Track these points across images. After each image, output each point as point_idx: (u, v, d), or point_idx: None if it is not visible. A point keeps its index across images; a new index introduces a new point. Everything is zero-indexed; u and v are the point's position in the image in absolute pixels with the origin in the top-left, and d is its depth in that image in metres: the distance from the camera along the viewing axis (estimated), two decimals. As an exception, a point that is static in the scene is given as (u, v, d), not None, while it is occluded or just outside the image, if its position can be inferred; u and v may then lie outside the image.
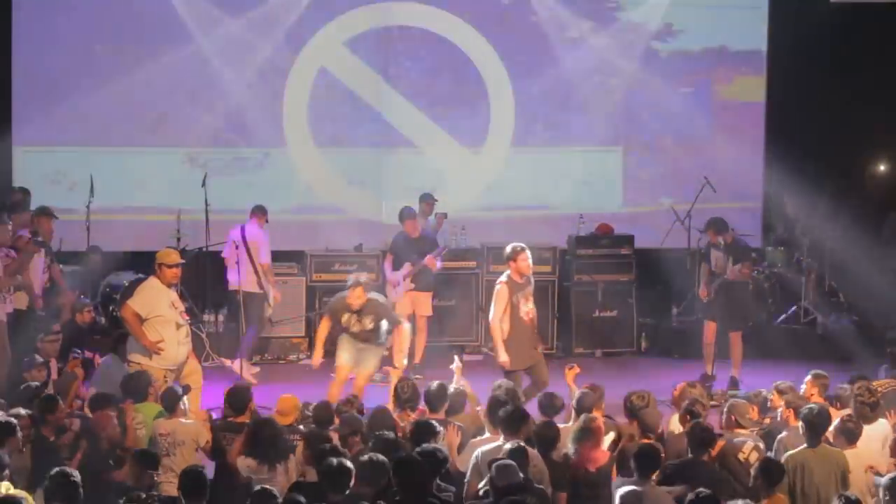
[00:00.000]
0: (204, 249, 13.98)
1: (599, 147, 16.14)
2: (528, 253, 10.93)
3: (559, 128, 16.10)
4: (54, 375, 10.64)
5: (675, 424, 9.22)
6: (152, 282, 10.36)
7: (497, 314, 10.80)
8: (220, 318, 14.32)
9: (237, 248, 13.19)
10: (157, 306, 10.16)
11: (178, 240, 14.07)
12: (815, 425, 8.35)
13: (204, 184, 14.07)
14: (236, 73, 15.28)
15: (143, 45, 15.01)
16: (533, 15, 15.82)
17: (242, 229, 13.47)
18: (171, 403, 9.10)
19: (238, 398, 9.07)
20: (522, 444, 7.92)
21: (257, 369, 13.64)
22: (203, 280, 14.15)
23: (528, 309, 10.87)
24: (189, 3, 15.08)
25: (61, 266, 13.26)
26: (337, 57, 15.64)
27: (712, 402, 11.35)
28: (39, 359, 10.54)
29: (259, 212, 13.65)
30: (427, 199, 14.27)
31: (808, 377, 9.74)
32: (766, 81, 16.16)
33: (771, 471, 7.78)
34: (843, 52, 15.62)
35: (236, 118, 15.35)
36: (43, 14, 14.92)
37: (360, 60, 15.67)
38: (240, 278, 13.18)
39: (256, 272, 13.35)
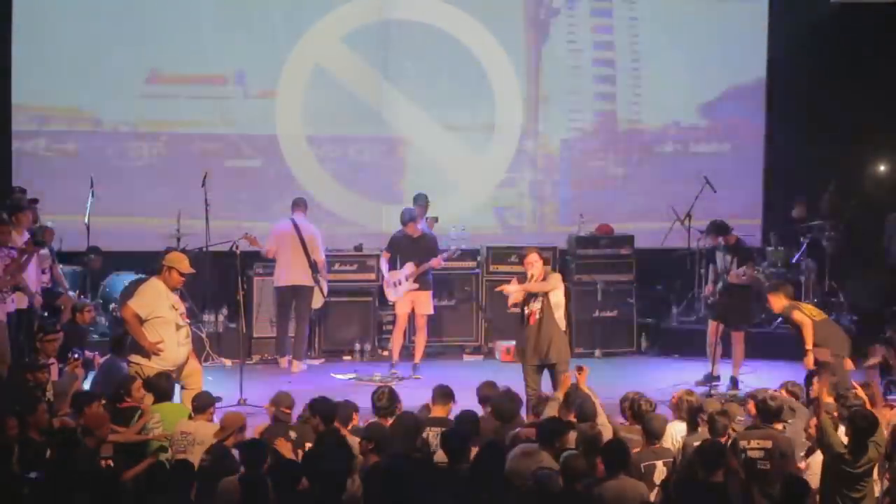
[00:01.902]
0: (204, 249, 13.98)
1: (600, 147, 16.15)
2: (535, 255, 10.94)
3: (561, 127, 16.09)
4: (54, 376, 10.64)
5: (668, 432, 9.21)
6: (153, 283, 10.31)
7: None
8: (221, 318, 14.32)
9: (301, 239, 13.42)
10: (158, 308, 10.13)
11: (178, 240, 14.07)
12: (862, 430, 8.13)
13: (204, 183, 14.06)
14: (234, 70, 15.31)
15: (141, 41, 15.09)
16: (538, 7, 15.82)
17: (294, 222, 13.56)
18: (203, 405, 9.17)
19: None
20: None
21: (305, 367, 13.71)
22: (203, 280, 14.13)
23: (531, 308, 10.83)
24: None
25: (61, 266, 13.28)
26: (333, 53, 15.62)
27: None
28: (40, 359, 10.54)
29: (304, 204, 13.80)
30: (421, 201, 14.30)
31: (816, 377, 9.69)
32: (766, 81, 16.15)
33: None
34: (843, 52, 15.61)
35: (234, 117, 15.37)
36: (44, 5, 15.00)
37: (358, 57, 15.64)
38: (289, 273, 13.37)
39: (311, 266, 13.48)
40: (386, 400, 9.20)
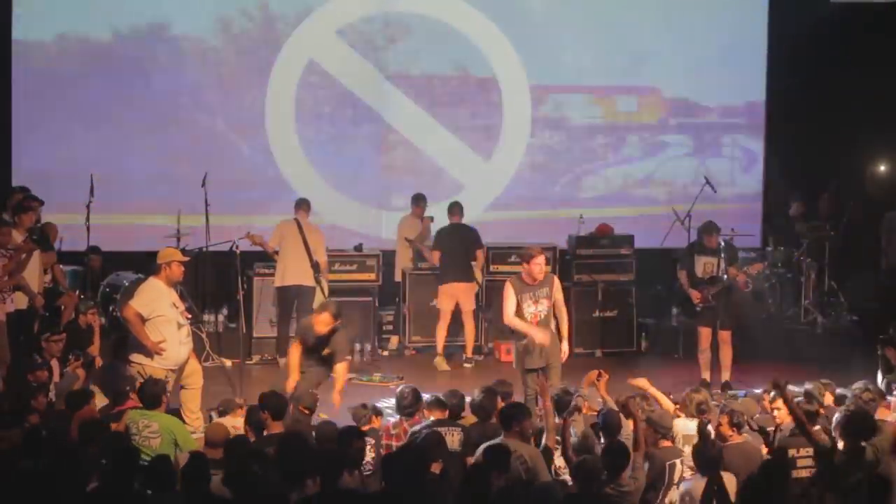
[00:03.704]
0: (204, 249, 13.99)
1: (602, 146, 16.16)
2: (543, 258, 10.68)
3: (562, 126, 16.09)
4: (56, 377, 10.64)
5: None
6: (153, 282, 10.34)
7: (508, 310, 10.56)
8: (221, 318, 14.32)
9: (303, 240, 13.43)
10: (159, 306, 10.15)
11: (178, 240, 14.07)
12: (857, 432, 7.98)
13: (204, 184, 14.06)
14: (227, 67, 15.30)
15: (137, 45, 15.18)
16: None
17: (297, 223, 13.55)
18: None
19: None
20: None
21: None
22: (203, 280, 14.14)
23: (534, 311, 10.54)
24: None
25: (61, 266, 13.27)
26: (328, 48, 15.52)
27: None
28: (40, 359, 10.53)
29: (307, 205, 13.78)
30: (420, 201, 14.29)
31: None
32: (766, 81, 16.17)
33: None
34: (842, 53, 15.62)
35: (233, 116, 15.38)
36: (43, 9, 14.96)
37: (354, 52, 15.57)
38: (292, 273, 13.39)
39: (313, 266, 13.47)
40: (410, 399, 9.21)
